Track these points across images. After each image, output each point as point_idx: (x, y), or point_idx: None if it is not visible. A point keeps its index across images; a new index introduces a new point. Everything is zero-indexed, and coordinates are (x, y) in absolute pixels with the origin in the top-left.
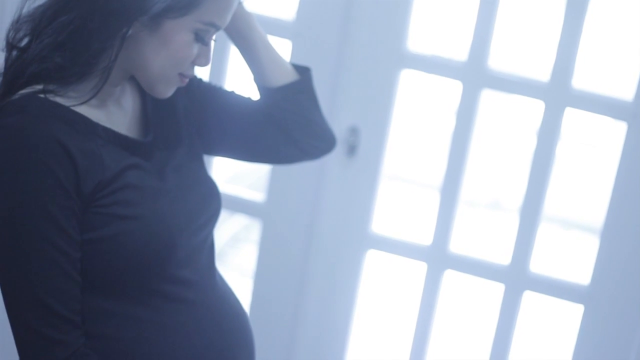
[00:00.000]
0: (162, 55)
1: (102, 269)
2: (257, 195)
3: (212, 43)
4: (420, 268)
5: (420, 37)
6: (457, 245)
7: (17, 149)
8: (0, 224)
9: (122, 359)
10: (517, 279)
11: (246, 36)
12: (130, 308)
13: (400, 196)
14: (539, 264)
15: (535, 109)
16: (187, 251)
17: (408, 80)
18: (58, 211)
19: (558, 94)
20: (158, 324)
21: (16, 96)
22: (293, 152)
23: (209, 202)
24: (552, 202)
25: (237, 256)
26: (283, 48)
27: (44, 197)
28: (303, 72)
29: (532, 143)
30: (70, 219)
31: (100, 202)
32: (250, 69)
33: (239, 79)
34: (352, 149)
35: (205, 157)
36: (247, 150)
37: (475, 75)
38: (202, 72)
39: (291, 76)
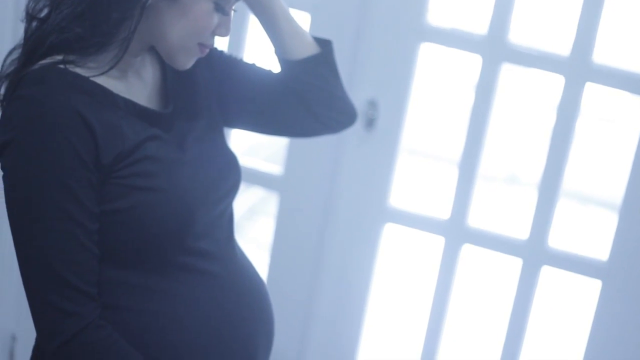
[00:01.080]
0: (181, 25)
1: (121, 240)
2: (274, 167)
3: (232, 13)
4: (438, 242)
5: (440, 11)
6: (475, 219)
7: (36, 120)
8: (18, 195)
9: (139, 330)
10: (535, 253)
11: (267, 7)
12: (148, 279)
13: (418, 170)
14: (557, 239)
15: (555, 83)
16: (206, 223)
17: (427, 54)
18: (75, 183)
19: (578, 68)
20: (176, 296)
21: (36, 66)
22: (314, 126)
23: (229, 173)
24: (570, 177)
25: (253, 229)
26: (302, 21)
27: (62, 169)
28: (324, 44)
29: (550, 118)
30: (87, 191)
31: (119, 174)
32: (271, 40)
33: (257, 51)
34: (370, 122)
35: (225, 129)
36: (267, 122)
37: (495, 49)
38: (221, 43)
39: (312, 49)
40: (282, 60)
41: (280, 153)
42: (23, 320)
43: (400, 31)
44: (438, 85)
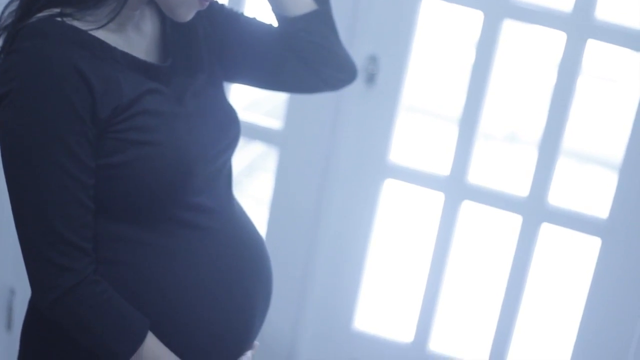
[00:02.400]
0: None
1: (118, 194)
2: (274, 122)
3: None
4: (437, 198)
5: None
6: (475, 176)
7: (33, 73)
8: (13, 149)
9: (136, 285)
10: (535, 210)
11: None
12: (145, 234)
13: (418, 127)
14: (557, 197)
15: (556, 40)
16: (204, 178)
17: (429, 9)
18: (72, 138)
19: (580, 24)
20: (174, 251)
21: (33, 19)
22: (313, 82)
23: (228, 128)
24: (570, 135)
25: (252, 185)
26: None
27: (58, 123)
28: (322, 1)
29: (551, 76)
30: (84, 146)
31: (117, 127)
32: None
33: (256, 6)
34: (371, 78)
35: (225, 84)
36: (267, 77)
37: (496, 4)
38: None
39: (310, 5)
40: (280, 17)
41: (281, 108)
42: (21, 274)
43: None
44: (439, 41)
